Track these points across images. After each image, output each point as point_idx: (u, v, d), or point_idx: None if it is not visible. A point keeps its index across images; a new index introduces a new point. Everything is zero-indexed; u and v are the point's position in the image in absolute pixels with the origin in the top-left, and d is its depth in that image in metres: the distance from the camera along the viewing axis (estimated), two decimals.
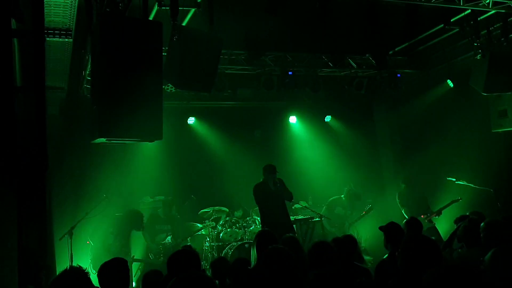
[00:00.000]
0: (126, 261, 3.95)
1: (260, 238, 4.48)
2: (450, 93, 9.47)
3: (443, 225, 8.28)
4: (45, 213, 3.74)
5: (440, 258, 2.98)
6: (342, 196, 9.29)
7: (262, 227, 7.59)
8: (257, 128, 10.61)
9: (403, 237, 4.63)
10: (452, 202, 8.03)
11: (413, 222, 5.21)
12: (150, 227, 8.19)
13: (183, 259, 3.75)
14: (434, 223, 8.13)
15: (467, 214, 5.38)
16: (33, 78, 3.44)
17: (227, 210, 9.15)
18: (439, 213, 8.10)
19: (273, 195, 7.42)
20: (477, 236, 4.12)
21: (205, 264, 7.96)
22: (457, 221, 5.30)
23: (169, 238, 8.19)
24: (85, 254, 7.75)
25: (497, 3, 6.56)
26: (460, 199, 8.02)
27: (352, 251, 4.41)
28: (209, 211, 8.92)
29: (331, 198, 9.36)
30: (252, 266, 4.26)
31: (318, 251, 3.92)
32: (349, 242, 4.44)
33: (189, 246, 4.54)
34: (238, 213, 9.33)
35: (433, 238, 4.76)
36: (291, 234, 5.19)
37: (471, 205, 7.93)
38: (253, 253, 4.44)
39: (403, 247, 3.07)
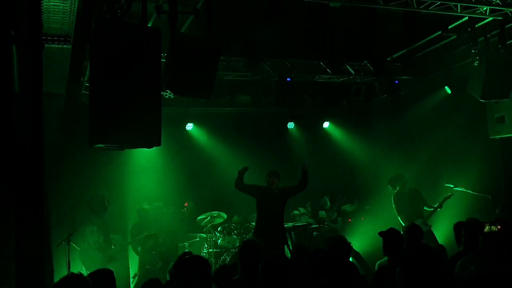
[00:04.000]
0: (112, 272, 3.94)
1: (244, 249, 4.36)
2: (447, 99, 9.49)
3: (439, 230, 8.27)
4: (43, 219, 3.73)
5: (441, 267, 2.98)
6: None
7: (255, 228, 7.55)
8: (255, 134, 10.60)
9: (402, 244, 4.64)
10: (445, 199, 8.03)
11: (414, 229, 5.19)
12: (136, 237, 8.12)
13: (193, 266, 3.71)
14: (430, 226, 8.10)
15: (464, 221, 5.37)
16: (30, 85, 3.44)
17: (225, 216, 9.13)
18: (433, 212, 8.08)
19: (273, 201, 7.39)
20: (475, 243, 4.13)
21: None
22: (455, 227, 5.29)
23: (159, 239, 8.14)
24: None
25: (494, 10, 6.59)
26: (452, 194, 8.01)
27: (345, 255, 4.41)
28: (207, 217, 8.89)
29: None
30: (238, 275, 4.24)
31: (315, 258, 3.88)
32: (341, 247, 4.45)
33: (197, 254, 4.50)
34: (237, 219, 9.31)
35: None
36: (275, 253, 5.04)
37: (469, 211, 7.94)
38: (238, 263, 4.38)
39: (403, 255, 3.06)
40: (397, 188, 8.49)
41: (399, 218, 8.21)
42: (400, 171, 9.02)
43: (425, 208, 8.26)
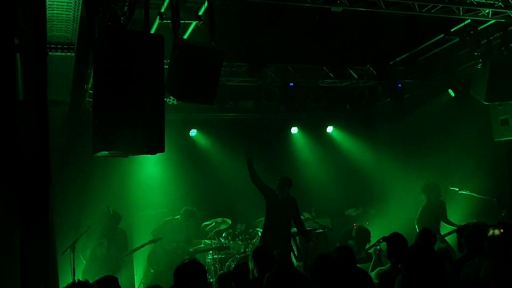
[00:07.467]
0: (116, 279, 3.93)
1: (256, 253, 4.55)
2: (451, 102, 9.47)
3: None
4: (48, 227, 3.73)
5: (443, 269, 2.96)
6: (353, 233, 9.00)
7: (261, 235, 7.53)
8: (258, 139, 10.58)
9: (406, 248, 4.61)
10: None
11: (427, 233, 5.10)
12: (165, 234, 8.06)
13: (190, 271, 3.82)
14: (446, 245, 7.50)
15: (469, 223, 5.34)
16: (35, 92, 3.45)
17: (230, 221, 9.11)
18: (452, 233, 7.83)
19: (281, 206, 7.37)
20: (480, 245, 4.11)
21: (208, 277, 7.90)
22: (459, 231, 5.27)
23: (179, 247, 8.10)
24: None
25: (497, 13, 6.59)
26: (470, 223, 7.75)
27: (352, 258, 4.43)
28: (211, 223, 8.87)
29: (344, 230, 9.05)
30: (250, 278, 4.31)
31: (320, 265, 3.88)
32: (348, 250, 4.47)
33: (194, 259, 4.57)
34: (241, 227, 9.27)
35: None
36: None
37: (474, 214, 7.89)
38: (250, 265, 4.50)
39: (406, 258, 3.05)
40: (430, 197, 8.06)
41: (416, 226, 7.98)
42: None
43: (441, 221, 7.96)
